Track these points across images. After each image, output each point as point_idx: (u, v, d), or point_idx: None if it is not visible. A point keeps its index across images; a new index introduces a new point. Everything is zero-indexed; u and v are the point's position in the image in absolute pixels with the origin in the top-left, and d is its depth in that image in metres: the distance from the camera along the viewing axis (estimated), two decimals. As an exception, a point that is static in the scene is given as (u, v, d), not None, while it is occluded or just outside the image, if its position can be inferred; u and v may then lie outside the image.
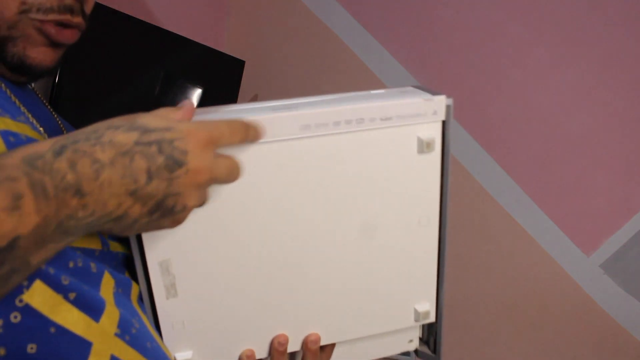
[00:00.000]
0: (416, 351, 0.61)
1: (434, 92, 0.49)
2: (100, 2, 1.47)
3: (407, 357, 1.67)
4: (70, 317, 0.39)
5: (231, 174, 0.41)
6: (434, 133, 0.48)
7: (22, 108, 0.48)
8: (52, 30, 0.47)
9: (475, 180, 1.57)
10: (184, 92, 1.78)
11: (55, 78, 1.38)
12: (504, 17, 1.57)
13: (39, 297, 0.38)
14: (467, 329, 1.58)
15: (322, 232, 0.49)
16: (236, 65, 1.94)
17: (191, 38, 1.77)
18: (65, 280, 0.40)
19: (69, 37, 0.51)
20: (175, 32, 1.71)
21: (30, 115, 0.49)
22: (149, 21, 1.67)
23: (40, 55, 0.48)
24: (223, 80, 1.92)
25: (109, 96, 1.55)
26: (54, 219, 0.33)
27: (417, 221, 0.51)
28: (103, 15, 1.48)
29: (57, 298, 0.39)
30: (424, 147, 0.47)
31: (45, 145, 0.35)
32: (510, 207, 1.53)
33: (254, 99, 2.08)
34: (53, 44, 0.49)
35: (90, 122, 0.53)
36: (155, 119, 0.38)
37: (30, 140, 0.45)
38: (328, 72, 1.88)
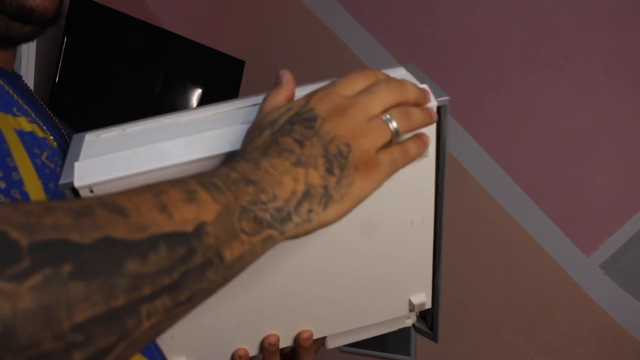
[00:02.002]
0: (414, 326, 0.60)
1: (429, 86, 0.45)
2: (100, 2, 1.47)
3: (407, 357, 1.67)
4: None
5: (372, 97, 0.39)
6: None
7: (26, 107, 0.49)
8: None
9: (475, 180, 1.57)
10: (184, 92, 1.78)
11: (55, 78, 1.38)
12: (504, 17, 1.57)
13: None
14: (467, 329, 1.58)
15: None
16: (236, 65, 1.94)
17: (191, 38, 1.77)
18: None
19: None
20: (175, 32, 1.71)
21: (33, 114, 0.49)
22: (149, 21, 1.67)
23: None
24: (223, 80, 1.92)
25: (109, 96, 1.55)
26: (236, 206, 0.31)
27: (411, 222, 0.49)
28: (103, 15, 1.48)
29: None
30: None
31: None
32: (510, 207, 1.53)
33: (254, 99, 2.08)
34: None
35: (90, 121, 0.54)
36: (272, 110, 0.40)
37: (43, 140, 0.46)
38: (328, 72, 1.88)
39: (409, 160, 0.40)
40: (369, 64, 1.80)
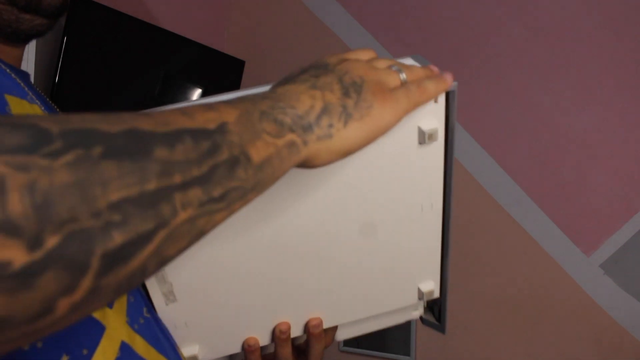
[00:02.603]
0: (421, 318, 0.60)
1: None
2: (100, 2, 1.47)
3: (407, 357, 1.67)
4: None
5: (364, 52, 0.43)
6: (436, 122, 0.45)
7: (37, 101, 0.49)
8: None
9: (475, 180, 1.57)
10: (184, 92, 1.78)
11: (56, 78, 1.38)
12: (505, 17, 1.57)
13: None
14: (467, 329, 1.58)
15: (322, 218, 0.48)
16: (236, 65, 1.94)
17: (191, 38, 1.77)
18: None
19: None
20: (175, 32, 1.71)
21: (43, 108, 0.50)
22: (149, 21, 1.67)
23: None
24: (223, 80, 1.92)
25: (109, 96, 1.55)
26: (255, 109, 0.32)
27: (420, 208, 0.49)
28: (103, 15, 1.48)
29: None
30: (425, 138, 0.44)
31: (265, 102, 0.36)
32: (510, 207, 1.53)
33: (254, 99, 2.08)
34: None
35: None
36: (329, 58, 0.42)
37: None
38: (328, 72, 1.88)
39: (426, 96, 0.41)
40: (369, 64, 1.80)
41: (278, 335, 0.53)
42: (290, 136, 0.33)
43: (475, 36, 1.61)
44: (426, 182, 0.48)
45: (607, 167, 1.42)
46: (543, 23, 1.51)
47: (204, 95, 1.81)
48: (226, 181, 0.28)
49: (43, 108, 0.48)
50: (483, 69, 1.59)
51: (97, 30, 1.49)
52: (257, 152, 0.31)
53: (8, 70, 0.48)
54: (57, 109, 0.58)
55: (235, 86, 1.94)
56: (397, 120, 0.38)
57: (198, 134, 0.28)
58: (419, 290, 0.55)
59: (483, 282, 1.56)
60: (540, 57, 1.51)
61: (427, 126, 0.44)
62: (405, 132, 0.45)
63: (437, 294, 0.56)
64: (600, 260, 1.41)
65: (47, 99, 0.58)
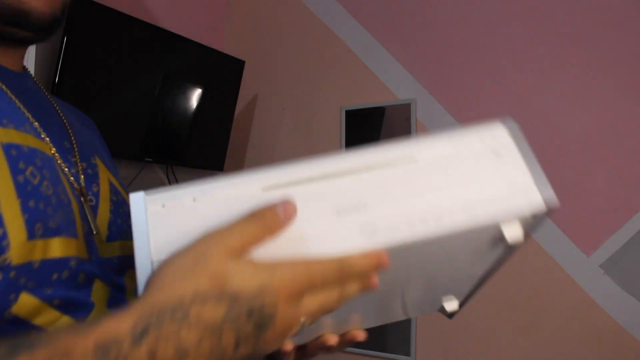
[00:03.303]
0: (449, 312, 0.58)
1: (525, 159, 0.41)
2: (100, 2, 1.47)
3: (407, 357, 1.67)
4: (51, 319, 0.42)
5: (323, 308, 0.36)
6: (521, 234, 0.38)
7: (24, 110, 0.48)
8: None
9: (475, 180, 1.56)
10: (184, 92, 1.78)
11: (55, 78, 1.38)
12: (504, 17, 1.57)
13: (25, 307, 0.40)
14: (467, 329, 1.58)
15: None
16: (236, 65, 1.94)
17: (191, 38, 1.77)
18: (49, 290, 0.42)
19: None
20: (175, 32, 1.71)
21: (32, 119, 0.48)
22: (149, 21, 1.67)
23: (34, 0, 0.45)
24: (223, 80, 1.92)
25: (109, 96, 1.55)
26: None
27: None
28: (103, 15, 1.48)
29: (42, 305, 0.41)
30: (500, 243, 0.39)
31: (126, 325, 0.31)
32: (510, 207, 1.53)
33: (254, 99, 2.08)
34: None
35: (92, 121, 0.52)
36: (247, 278, 0.33)
37: (33, 152, 0.44)
38: (328, 72, 1.88)
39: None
40: (368, 63, 1.80)
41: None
42: None
43: (475, 36, 1.61)
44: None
45: (607, 167, 1.42)
46: (543, 23, 1.51)
47: (203, 95, 1.81)
48: None
49: (24, 128, 0.45)
50: (483, 68, 1.59)
51: (97, 30, 1.49)
52: None
53: None
54: (56, 106, 0.57)
55: (236, 86, 1.94)
56: None
57: None
58: (443, 308, 0.55)
59: (483, 282, 1.56)
60: (540, 57, 1.51)
61: (512, 236, 0.38)
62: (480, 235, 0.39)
63: (456, 308, 0.56)
64: (600, 260, 1.41)
65: (48, 100, 0.56)
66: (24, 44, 0.50)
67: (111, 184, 0.56)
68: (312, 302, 0.35)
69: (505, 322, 1.53)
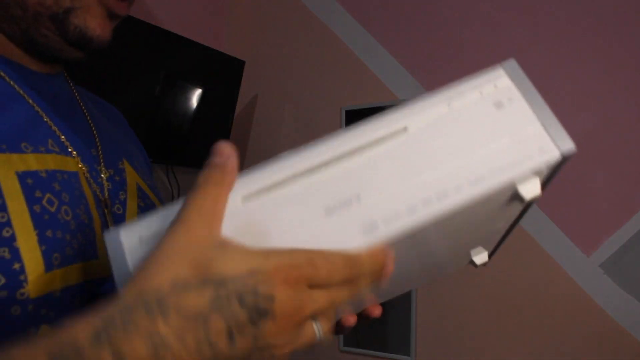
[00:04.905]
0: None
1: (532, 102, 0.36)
2: (100, 2, 1.47)
3: (407, 357, 1.67)
4: None
5: (333, 303, 0.32)
6: (538, 186, 0.34)
7: (47, 119, 0.47)
8: (111, 0, 0.48)
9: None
10: (184, 92, 1.78)
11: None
12: (504, 17, 1.57)
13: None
14: (467, 329, 1.58)
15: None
16: (236, 65, 1.94)
17: (191, 38, 1.77)
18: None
19: (125, 9, 0.51)
20: (175, 32, 1.71)
21: (57, 130, 0.47)
22: (149, 21, 1.67)
23: (99, 27, 0.48)
24: (223, 80, 1.92)
25: (109, 96, 1.55)
26: None
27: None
28: (103, 15, 1.48)
29: None
30: (517, 200, 0.35)
31: (88, 329, 0.28)
32: (510, 207, 1.53)
33: (254, 99, 2.08)
34: (110, 15, 0.49)
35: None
36: (234, 260, 0.29)
37: (51, 177, 0.43)
38: (328, 72, 1.88)
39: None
40: (368, 63, 1.80)
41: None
42: None
43: (475, 36, 1.61)
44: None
45: (607, 167, 1.42)
46: (543, 23, 1.51)
47: (203, 95, 1.81)
48: None
49: (45, 148, 0.44)
50: (483, 68, 1.59)
51: (97, 30, 1.49)
52: None
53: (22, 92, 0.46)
54: (84, 109, 0.56)
55: (236, 86, 1.94)
56: None
57: None
58: (472, 261, 0.49)
59: (483, 282, 1.56)
60: (540, 57, 1.51)
61: (528, 192, 0.34)
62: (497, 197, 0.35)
63: (486, 259, 0.51)
64: (600, 260, 1.41)
65: (79, 104, 0.55)
66: (71, 62, 0.51)
67: (139, 189, 0.55)
68: (321, 296, 0.31)
69: (505, 322, 1.53)
